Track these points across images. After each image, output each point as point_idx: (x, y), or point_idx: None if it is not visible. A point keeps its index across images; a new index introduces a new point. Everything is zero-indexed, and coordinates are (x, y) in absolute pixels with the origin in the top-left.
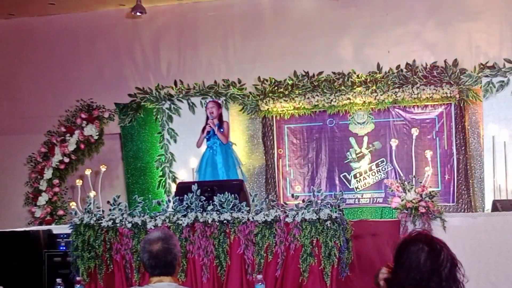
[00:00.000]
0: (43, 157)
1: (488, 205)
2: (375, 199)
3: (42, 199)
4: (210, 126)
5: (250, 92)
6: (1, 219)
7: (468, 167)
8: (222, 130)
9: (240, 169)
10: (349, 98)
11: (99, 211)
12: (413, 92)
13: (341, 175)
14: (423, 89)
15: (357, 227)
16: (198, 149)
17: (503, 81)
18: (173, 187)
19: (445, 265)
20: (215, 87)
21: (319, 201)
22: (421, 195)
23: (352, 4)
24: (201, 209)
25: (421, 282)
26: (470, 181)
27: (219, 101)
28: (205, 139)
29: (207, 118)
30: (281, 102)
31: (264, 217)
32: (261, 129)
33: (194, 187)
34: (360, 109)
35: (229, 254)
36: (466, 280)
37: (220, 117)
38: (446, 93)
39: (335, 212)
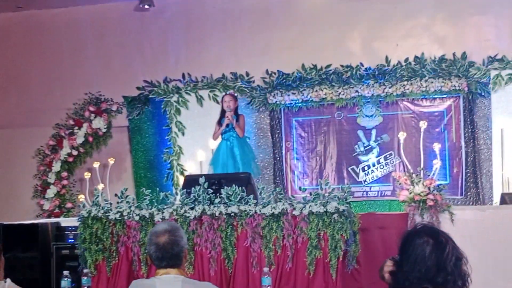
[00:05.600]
0: (51, 150)
1: (497, 198)
2: (383, 192)
3: (51, 192)
4: (229, 119)
5: (258, 85)
6: (10, 212)
7: (476, 160)
8: (238, 123)
9: (255, 162)
10: (357, 91)
11: (107, 203)
12: (422, 85)
13: (349, 168)
14: (432, 82)
15: (365, 220)
16: (206, 142)
17: (511, 74)
18: (181, 180)
19: (450, 259)
20: (223, 80)
21: (326, 194)
22: (429, 188)
23: None
24: (209, 202)
25: (426, 275)
26: (479, 174)
27: (235, 95)
28: (222, 132)
29: (223, 111)
30: (289, 95)
31: (271, 210)
32: (269, 122)
33: (202, 180)
34: (368, 102)
35: (236, 247)
36: (470, 271)
37: (236, 110)
38: (454, 86)
39: (342, 205)
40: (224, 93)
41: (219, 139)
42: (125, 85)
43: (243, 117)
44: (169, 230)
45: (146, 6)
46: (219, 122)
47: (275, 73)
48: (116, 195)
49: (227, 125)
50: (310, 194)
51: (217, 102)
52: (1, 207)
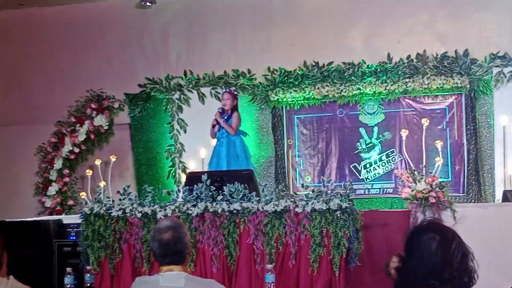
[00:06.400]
0: (53, 147)
1: (499, 196)
2: (385, 189)
3: (52, 189)
4: (215, 120)
5: (260, 83)
6: (12, 209)
7: (478, 157)
8: (230, 122)
9: (250, 161)
10: (359, 89)
11: (109, 201)
12: (424, 82)
13: (351, 166)
14: (434, 80)
15: (367, 217)
16: (207, 139)
17: None
18: (183, 177)
19: (457, 255)
20: (224, 77)
21: (329, 191)
22: (431, 186)
23: None
24: (211, 199)
25: (433, 271)
26: (481, 171)
27: (235, 92)
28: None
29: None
30: (291, 92)
31: (274, 207)
32: (271, 120)
33: (204, 177)
34: (370, 99)
35: (239, 244)
36: (477, 267)
37: (234, 107)
38: (456, 83)
39: (345, 202)
40: (224, 90)
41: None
42: (127, 82)
43: (236, 115)
44: (172, 227)
45: (148, 3)
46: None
47: (276, 71)
48: (118, 192)
49: (213, 126)
50: (313, 191)
51: (219, 100)
52: (3, 204)
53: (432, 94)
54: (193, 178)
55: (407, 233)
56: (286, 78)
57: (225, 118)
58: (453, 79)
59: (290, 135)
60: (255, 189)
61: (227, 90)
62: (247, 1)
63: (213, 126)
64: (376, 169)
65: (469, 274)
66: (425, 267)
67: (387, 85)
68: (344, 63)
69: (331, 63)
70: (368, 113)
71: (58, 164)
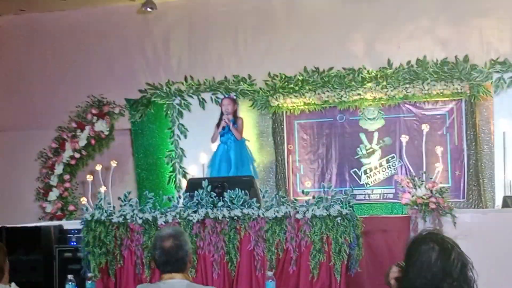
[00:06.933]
0: (53, 152)
1: (499, 201)
2: (385, 195)
3: (53, 195)
4: (225, 122)
5: (260, 88)
6: (12, 214)
7: (478, 163)
8: (236, 126)
9: (253, 165)
10: (359, 94)
11: (109, 207)
12: (424, 88)
13: (351, 171)
14: (434, 85)
15: (367, 223)
16: (208, 144)
17: None
18: (183, 183)
19: (456, 265)
20: (225, 82)
21: (329, 197)
22: (431, 191)
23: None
24: (212, 205)
25: (432, 282)
26: (481, 177)
27: (234, 98)
28: (219, 135)
29: (222, 114)
30: (291, 97)
31: (274, 214)
32: (271, 125)
33: (205, 183)
34: (371, 105)
35: (239, 250)
36: (476, 277)
37: (235, 113)
38: (456, 89)
39: (345, 208)
40: (224, 96)
41: (218, 142)
42: (128, 87)
43: (241, 120)
44: (173, 235)
45: (149, 9)
46: (218, 125)
47: (277, 76)
48: (119, 198)
49: (223, 128)
50: (313, 197)
51: (219, 105)
52: (4, 209)
53: (432, 99)
54: (194, 184)
55: (407, 243)
56: (286, 83)
57: (232, 122)
58: (453, 85)
59: (290, 140)
60: (255, 195)
61: (226, 96)
62: (248, 7)
63: (223, 128)
64: (376, 174)
65: (469, 284)
66: (425, 277)
67: (387, 91)
68: (344, 68)
69: (331, 68)
70: (368, 118)
71: (58, 169)
